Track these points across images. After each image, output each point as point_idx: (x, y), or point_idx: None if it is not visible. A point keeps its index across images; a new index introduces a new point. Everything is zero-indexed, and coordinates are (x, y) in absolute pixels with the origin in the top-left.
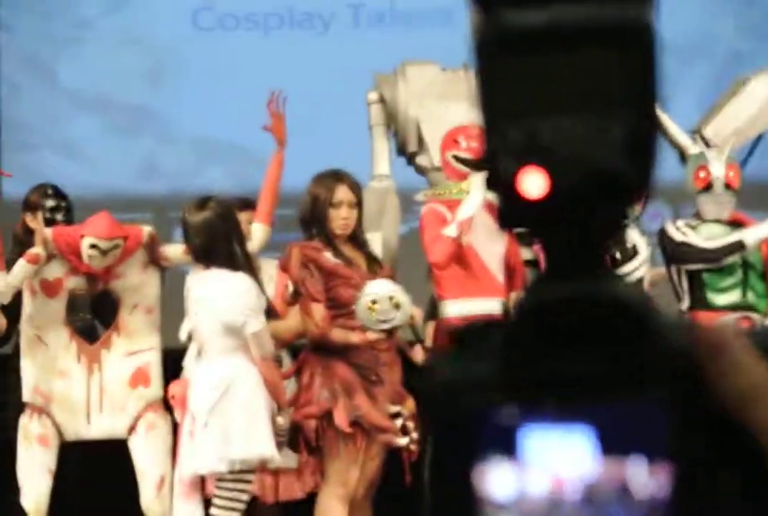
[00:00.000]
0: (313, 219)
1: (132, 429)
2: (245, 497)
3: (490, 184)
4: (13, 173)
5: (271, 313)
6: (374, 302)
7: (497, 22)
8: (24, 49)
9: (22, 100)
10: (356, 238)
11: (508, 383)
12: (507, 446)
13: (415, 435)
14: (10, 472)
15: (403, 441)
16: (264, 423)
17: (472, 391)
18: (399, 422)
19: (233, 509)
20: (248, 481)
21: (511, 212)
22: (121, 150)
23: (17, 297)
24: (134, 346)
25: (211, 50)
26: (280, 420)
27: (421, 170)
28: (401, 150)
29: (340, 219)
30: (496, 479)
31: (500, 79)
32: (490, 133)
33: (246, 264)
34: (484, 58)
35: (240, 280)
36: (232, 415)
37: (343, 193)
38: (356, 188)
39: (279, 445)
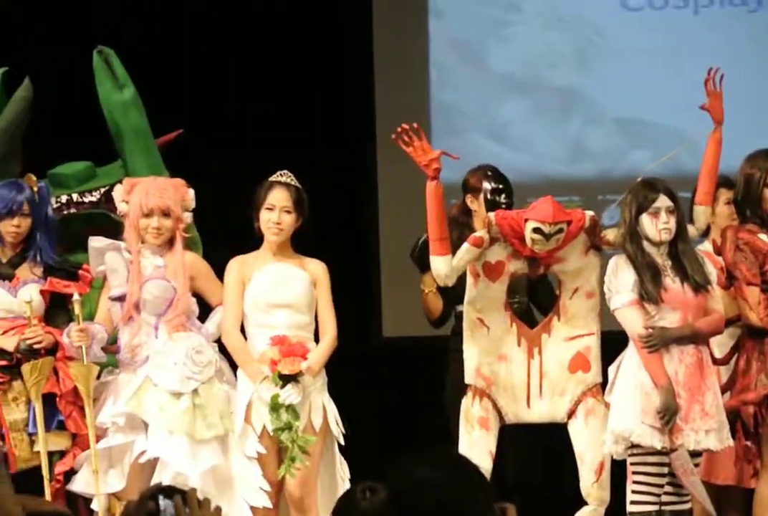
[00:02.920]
0: (746, 200)
1: (571, 414)
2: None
3: None
4: (444, 158)
5: None
6: None
7: None
8: (454, 33)
9: (451, 84)
10: None
11: None
12: None
13: None
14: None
15: None
16: None
17: None
18: None
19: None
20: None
21: None
22: (548, 133)
23: (456, 280)
24: (574, 330)
25: (639, 30)
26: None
27: None
28: None
29: None
30: None
31: None
32: None
33: None
34: None
35: None
36: None
37: None
38: None
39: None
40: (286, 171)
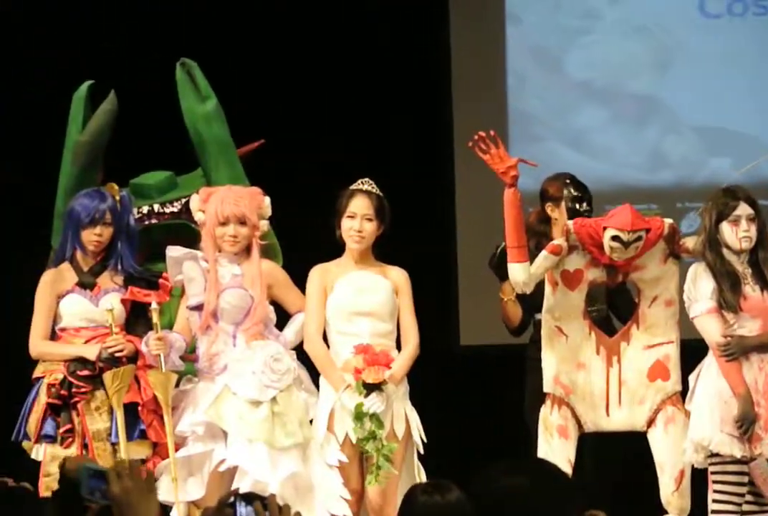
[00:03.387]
0: None
1: (651, 422)
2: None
3: None
4: (522, 165)
5: None
6: None
7: None
8: (531, 40)
9: (528, 91)
10: None
11: None
12: None
13: None
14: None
15: None
16: None
17: None
18: None
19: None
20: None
21: None
22: (627, 140)
23: (536, 288)
24: (654, 339)
25: (718, 37)
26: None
27: None
28: None
29: None
30: None
31: None
32: None
33: None
34: None
35: None
36: None
37: None
38: None
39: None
40: (367, 179)
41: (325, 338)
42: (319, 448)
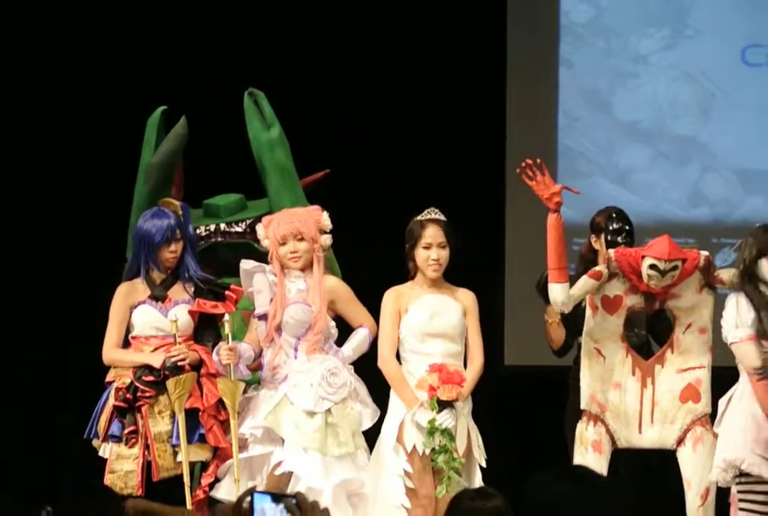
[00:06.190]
0: None
1: (680, 441)
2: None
3: None
4: (568, 199)
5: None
6: None
7: None
8: (582, 82)
9: (578, 130)
10: None
11: None
12: None
13: None
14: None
15: None
16: None
17: None
18: None
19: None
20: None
21: None
22: (668, 178)
23: (580, 312)
24: (687, 363)
25: (758, 85)
26: None
27: None
28: None
29: None
30: None
31: None
32: None
33: None
34: None
35: None
36: None
37: None
38: None
39: None
40: (433, 208)
41: (397, 356)
42: (381, 457)
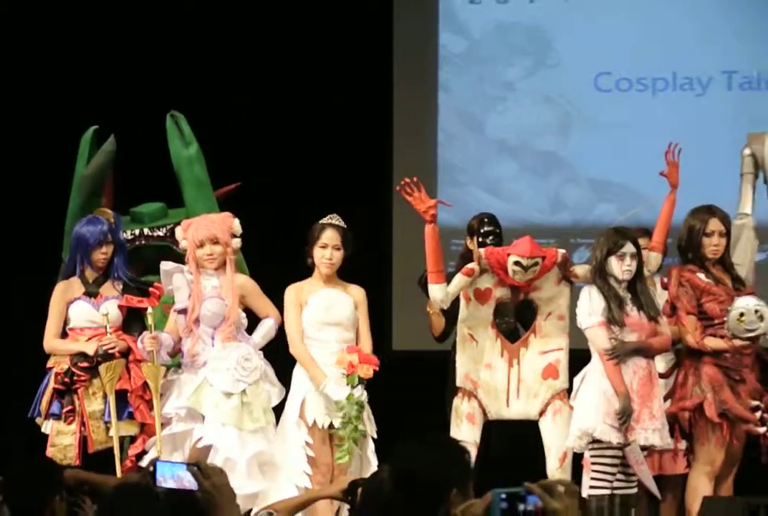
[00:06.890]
0: (689, 246)
1: (542, 413)
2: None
3: None
4: (447, 206)
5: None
6: (742, 315)
7: None
8: (459, 105)
9: (455, 146)
10: (724, 262)
11: None
12: None
13: None
14: None
15: (761, 430)
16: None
17: None
18: (758, 414)
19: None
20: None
21: None
22: (533, 188)
23: (455, 303)
24: (547, 346)
25: (609, 108)
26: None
27: None
28: None
29: (712, 246)
30: None
31: None
32: None
33: None
34: None
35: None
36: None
37: (714, 224)
38: (726, 220)
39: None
40: (335, 214)
41: None
42: (287, 431)
